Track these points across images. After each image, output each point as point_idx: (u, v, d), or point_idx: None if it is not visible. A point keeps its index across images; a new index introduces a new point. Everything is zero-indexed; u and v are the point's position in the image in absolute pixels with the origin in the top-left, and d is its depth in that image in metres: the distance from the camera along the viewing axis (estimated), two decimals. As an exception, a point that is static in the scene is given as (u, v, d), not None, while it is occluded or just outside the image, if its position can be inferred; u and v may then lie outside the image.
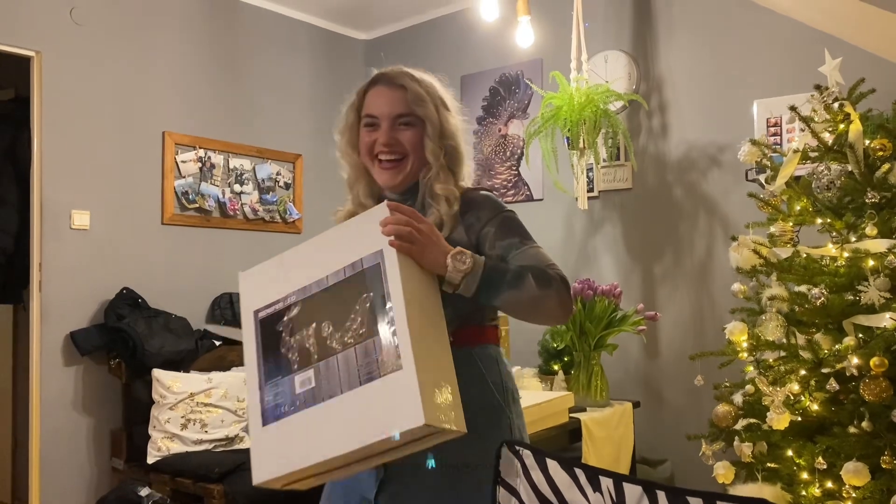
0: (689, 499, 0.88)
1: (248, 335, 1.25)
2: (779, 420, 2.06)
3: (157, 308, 3.56)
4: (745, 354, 2.37)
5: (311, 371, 1.15)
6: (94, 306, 3.43)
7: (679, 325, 3.54)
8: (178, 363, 3.44)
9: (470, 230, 1.38)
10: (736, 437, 2.32)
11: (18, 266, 3.61)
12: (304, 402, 1.15)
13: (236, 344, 3.80)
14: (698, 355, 2.57)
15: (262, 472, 1.21)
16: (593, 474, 1.00)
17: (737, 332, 2.34)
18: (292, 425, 1.16)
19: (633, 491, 0.94)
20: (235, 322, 3.86)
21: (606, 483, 0.97)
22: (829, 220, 2.30)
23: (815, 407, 2.10)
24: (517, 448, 1.15)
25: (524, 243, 1.36)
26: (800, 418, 2.15)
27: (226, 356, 3.71)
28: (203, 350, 3.63)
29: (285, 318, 1.21)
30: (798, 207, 2.40)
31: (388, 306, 1.11)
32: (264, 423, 1.21)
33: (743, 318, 2.48)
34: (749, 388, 2.37)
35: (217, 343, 3.72)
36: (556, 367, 3.08)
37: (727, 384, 2.54)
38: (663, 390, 3.58)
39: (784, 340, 2.24)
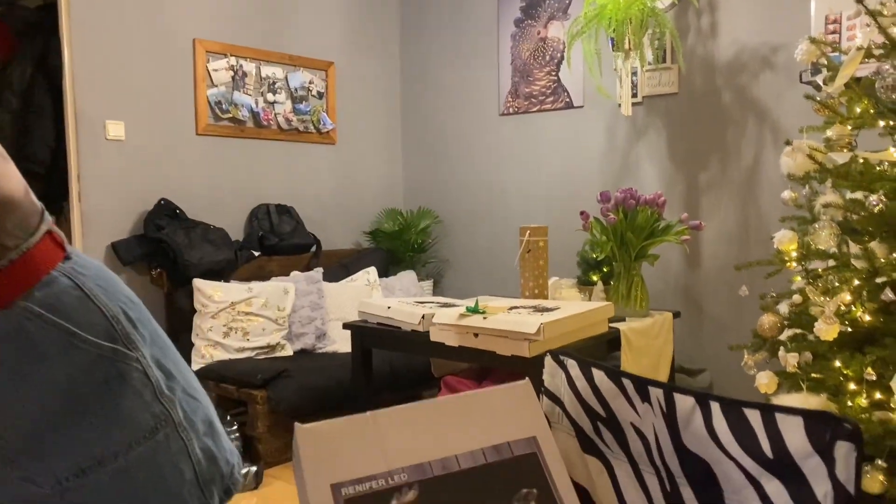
0: (746, 410, 0.84)
1: None
2: (828, 330, 2.00)
3: (195, 219, 3.57)
4: (794, 264, 2.29)
5: None
6: (134, 217, 3.46)
7: (723, 235, 3.45)
8: (219, 273, 3.48)
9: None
10: (781, 348, 2.28)
11: (56, 177, 3.64)
12: None
13: (276, 254, 3.82)
14: (745, 265, 2.51)
15: None
16: (642, 384, 0.97)
17: (786, 241, 2.26)
18: None
19: (684, 402, 0.91)
20: (274, 233, 3.87)
21: (656, 393, 0.94)
22: (891, 123, 2.17)
23: (866, 318, 2.04)
24: (561, 358, 1.11)
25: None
26: (849, 329, 2.09)
27: (265, 266, 3.74)
28: (242, 261, 3.66)
29: None
30: (858, 110, 2.26)
31: None
32: None
33: (793, 226, 2.39)
34: (796, 298, 2.31)
35: (256, 254, 3.75)
36: (595, 278, 3.03)
37: (773, 294, 2.48)
38: (704, 301, 3.53)
39: (836, 250, 2.16)
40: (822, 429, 0.76)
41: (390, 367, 3.36)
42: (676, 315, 2.95)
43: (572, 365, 1.08)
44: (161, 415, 0.70)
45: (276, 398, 3.07)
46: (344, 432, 0.95)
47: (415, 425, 0.97)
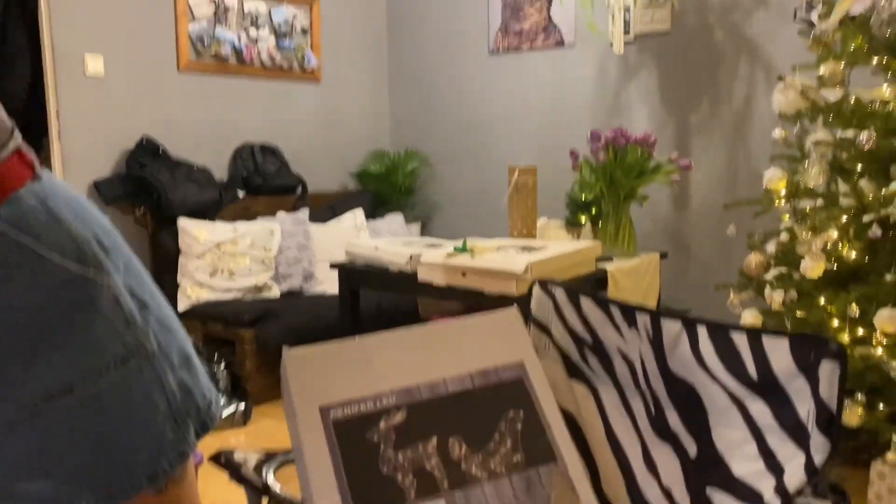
0: (732, 334, 0.84)
1: (309, 439, 0.89)
2: (814, 268, 2.01)
3: (178, 158, 3.52)
4: (783, 202, 2.29)
5: (441, 502, 0.88)
6: (116, 155, 3.40)
7: (712, 175, 3.44)
8: (203, 213, 3.45)
9: None
10: (767, 286, 2.29)
11: (34, 114, 3.55)
12: None
13: (260, 195, 3.79)
14: (733, 204, 2.51)
15: None
16: (629, 310, 0.96)
17: (775, 180, 2.25)
18: None
19: (671, 326, 0.90)
20: (258, 173, 3.82)
21: (643, 319, 0.94)
22: (884, 59, 2.14)
23: (852, 255, 2.05)
24: (550, 287, 1.11)
25: None
26: (835, 267, 2.10)
27: (250, 207, 3.70)
28: (227, 201, 3.62)
29: (382, 426, 0.91)
30: (852, 46, 2.23)
31: (549, 434, 0.93)
32: None
33: (782, 165, 2.38)
34: (784, 236, 2.31)
35: (241, 194, 3.71)
36: (583, 219, 3.02)
37: (760, 234, 2.49)
38: (692, 242, 3.54)
39: (824, 188, 2.16)
40: (807, 349, 0.76)
41: (378, 308, 3.37)
42: (664, 256, 2.95)
43: (560, 293, 1.07)
44: (133, 344, 0.67)
45: (264, 338, 3.08)
46: (332, 356, 0.96)
47: (403, 350, 0.97)
